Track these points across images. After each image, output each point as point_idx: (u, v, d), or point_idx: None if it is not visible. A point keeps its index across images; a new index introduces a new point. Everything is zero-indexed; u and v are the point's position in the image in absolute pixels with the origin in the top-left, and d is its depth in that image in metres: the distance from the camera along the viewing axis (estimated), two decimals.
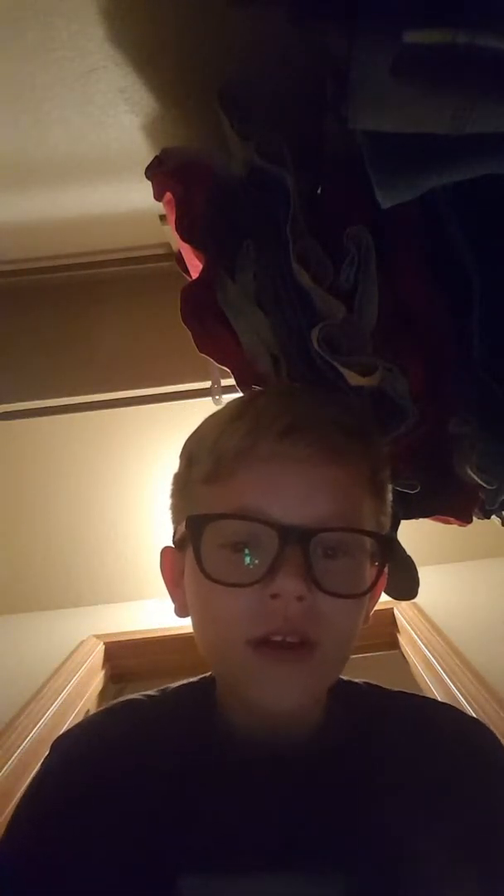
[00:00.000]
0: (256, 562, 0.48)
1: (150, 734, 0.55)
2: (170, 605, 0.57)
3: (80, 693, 1.46)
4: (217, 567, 0.48)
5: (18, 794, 0.66)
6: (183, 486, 0.57)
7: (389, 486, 0.57)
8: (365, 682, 0.62)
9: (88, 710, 1.48)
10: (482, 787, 0.53)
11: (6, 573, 2.07)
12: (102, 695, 1.62)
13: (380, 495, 0.55)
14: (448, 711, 0.61)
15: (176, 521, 0.57)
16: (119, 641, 1.73)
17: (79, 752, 0.56)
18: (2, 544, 2.09)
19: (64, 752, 0.56)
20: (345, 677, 0.59)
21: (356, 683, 0.61)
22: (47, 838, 0.49)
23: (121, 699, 0.60)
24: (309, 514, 0.48)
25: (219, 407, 0.56)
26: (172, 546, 0.57)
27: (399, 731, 0.56)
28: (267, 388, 0.69)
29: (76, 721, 1.34)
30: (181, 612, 0.56)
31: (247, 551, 0.48)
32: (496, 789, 0.53)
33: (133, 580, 2.04)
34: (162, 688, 0.61)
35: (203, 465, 0.52)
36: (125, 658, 1.70)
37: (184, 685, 0.61)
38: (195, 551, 0.49)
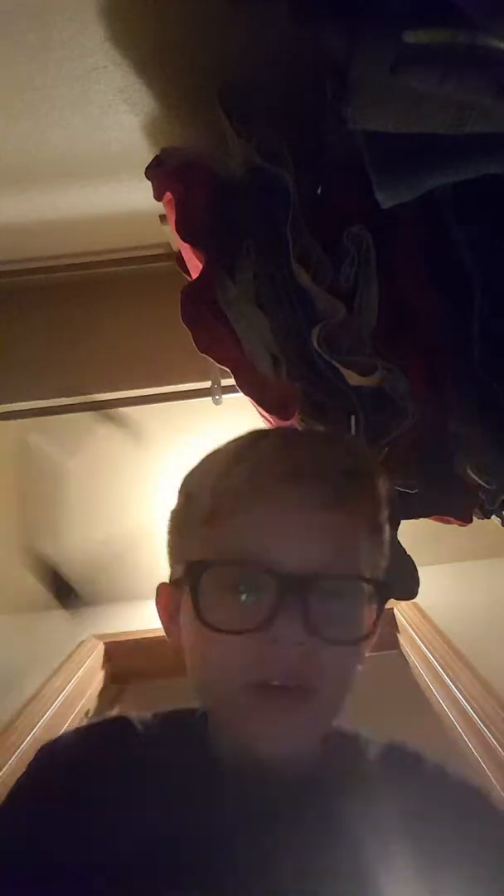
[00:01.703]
0: (255, 606, 0.47)
1: (135, 755, 0.55)
2: None
3: (79, 693, 1.45)
4: (215, 611, 0.48)
5: None
6: (181, 525, 0.56)
7: (388, 526, 0.56)
8: (356, 732, 0.60)
9: (88, 711, 1.48)
10: (473, 833, 0.52)
11: (7, 573, 2.07)
12: (102, 695, 1.62)
13: (378, 535, 0.54)
14: (437, 766, 0.60)
15: (173, 560, 0.57)
16: (119, 641, 1.73)
17: (56, 763, 0.55)
18: (2, 544, 2.09)
19: (42, 762, 0.56)
20: (338, 726, 0.58)
21: (350, 732, 0.60)
22: (8, 847, 0.49)
23: (115, 714, 0.60)
24: (309, 560, 0.47)
25: (219, 406, 0.56)
26: (168, 583, 0.56)
27: (389, 778, 0.55)
28: (270, 430, 0.68)
29: (76, 721, 1.35)
30: (176, 647, 0.55)
31: (244, 596, 0.48)
32: (487, 836, 0.52)
33: (133, 580, 2.04)
34: (156, 712, 0.61)
35: (203, 505, 0.51)
36: (125, 658, 1.70)
37: (178, 711, 0.60)
38: (193, 597, 0.49)
